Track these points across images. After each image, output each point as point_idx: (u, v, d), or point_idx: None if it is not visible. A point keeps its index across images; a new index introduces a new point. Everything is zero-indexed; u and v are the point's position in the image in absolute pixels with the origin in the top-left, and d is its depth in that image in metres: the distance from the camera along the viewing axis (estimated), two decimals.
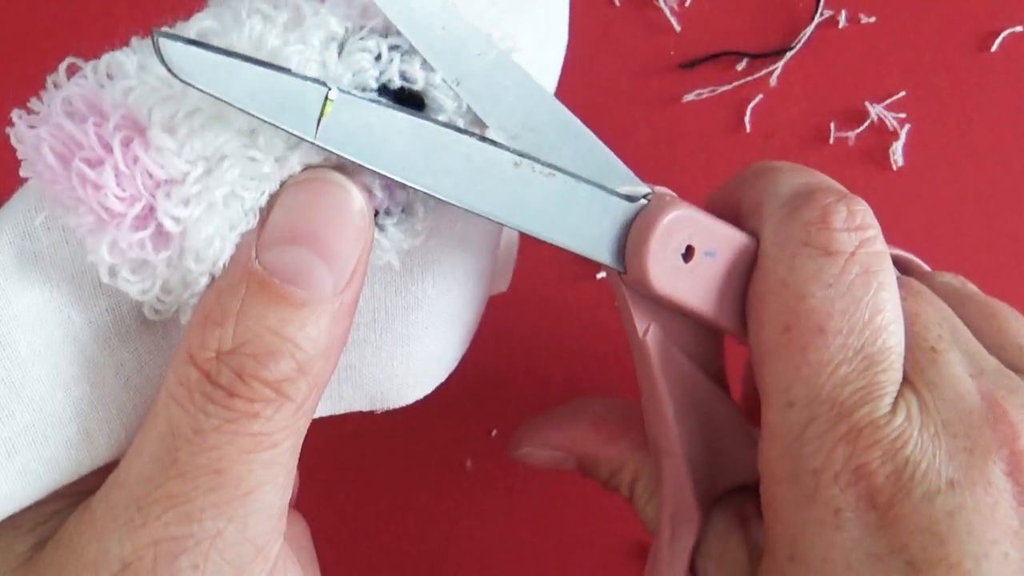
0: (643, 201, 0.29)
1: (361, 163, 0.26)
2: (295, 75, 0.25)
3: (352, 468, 0.45)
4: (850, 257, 0.29)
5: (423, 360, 0.31)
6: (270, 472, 0.26)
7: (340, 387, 0.31)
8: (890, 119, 0.46)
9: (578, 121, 0.28)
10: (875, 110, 0.46)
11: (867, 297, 0.28)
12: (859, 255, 0.29)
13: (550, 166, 0.28)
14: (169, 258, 0.25)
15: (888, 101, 0.46)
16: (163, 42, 0.23)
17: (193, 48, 0.24)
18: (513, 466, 0.47)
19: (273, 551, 0.27)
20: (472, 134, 0.27)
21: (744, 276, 0.30)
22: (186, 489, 0.25)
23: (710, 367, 0.32)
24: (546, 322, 0.46)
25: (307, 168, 0.26)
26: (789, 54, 0.46)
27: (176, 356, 0.26)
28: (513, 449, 0.36)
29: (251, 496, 0.25)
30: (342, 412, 0.32)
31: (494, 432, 0.47)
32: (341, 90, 0.25)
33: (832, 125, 0.46)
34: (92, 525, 0.26)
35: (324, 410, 0.31)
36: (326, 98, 0.25)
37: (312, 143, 0.25)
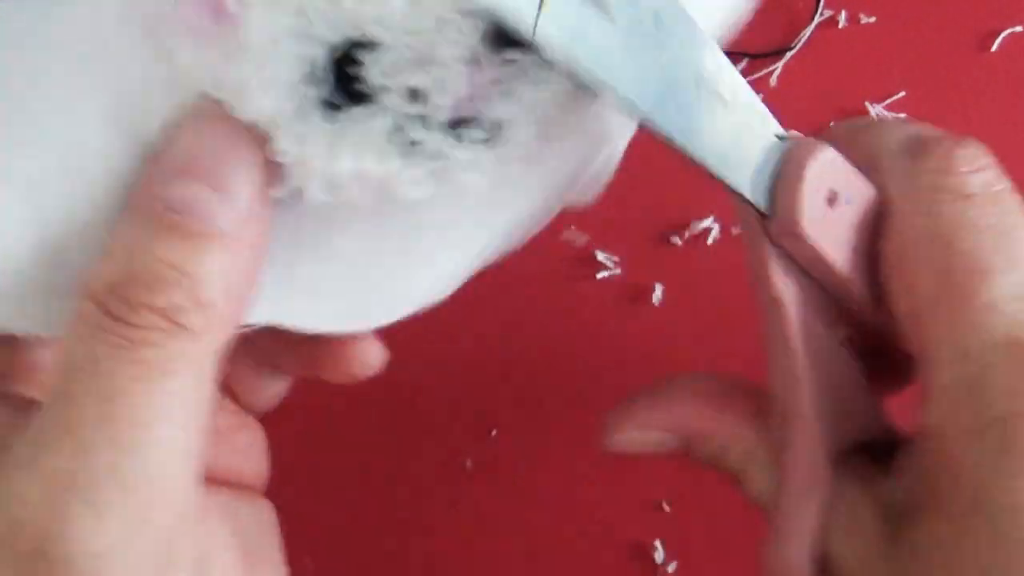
0: (788, 142, 0.29)
1: (574, 67, 0.25)
2: None
3: (352, 467, 0.45)
4: (985, 196, 0.28)
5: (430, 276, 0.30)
6: (165, 403, 0.25)
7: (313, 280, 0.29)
8: (890, 119, 0.46)
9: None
10: (875, 110, 0.46)
11: (1017, 231, 0.28)
12: (992, 193, 0.28)
13: (720, 96, 0.27)
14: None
15: (888, 101, 0.46)
16: None
17: None
18: (513, 466, 0.47)
19: (179, 497, 0.26)
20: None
21: (867, 232, 0.30)
22: (79, 419, 0.25)
23: (837, 329, 0.31)
24: (546, 322, 0.46)
25: (204, 98, 0.26)
26: (789, 54, 0.46)
27: (77, 293, 0.26)
28: (608, 437, 0.34)
29: (144, 428, 0.25)
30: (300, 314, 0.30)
31: (494, 432, 0.47)
32: None
33: (832, 125, 0.46)
34: (3, 467, 0.26)
35: (270, 311, 0.29)
36: None
37: (531, 41, 0.25)
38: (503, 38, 0.26)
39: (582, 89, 0.27)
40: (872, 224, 0.30)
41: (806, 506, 0.30)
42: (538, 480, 0.46)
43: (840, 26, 0.46)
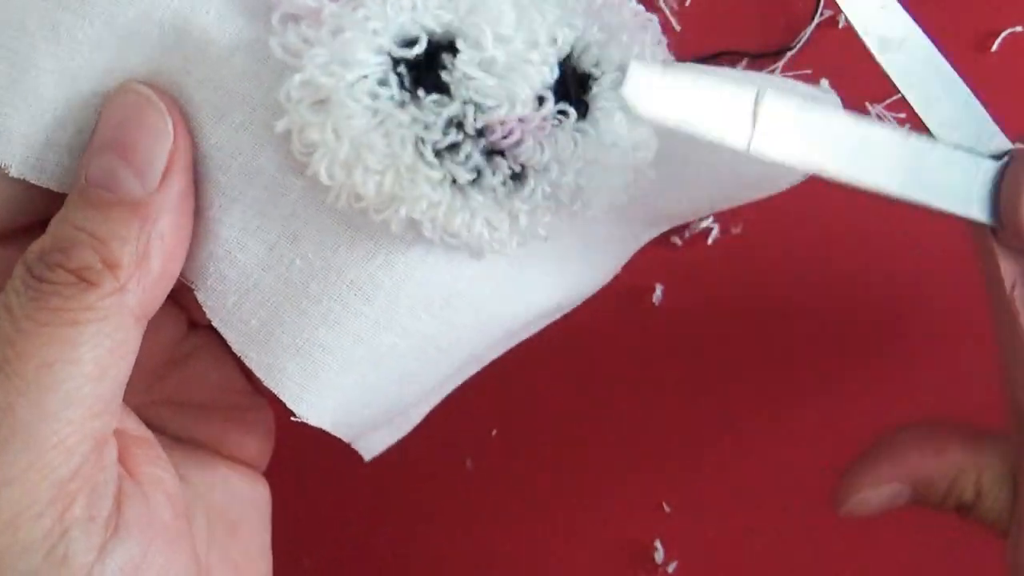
0: (1006, 159, 0.31)
1: (791, 164, 0.28)
2: (726, 75, 0.28)
3: (352, 467, 0.45)
4: None
5: None
6: (66, 350, 0.27)
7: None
8: (890, 119, 0.46)
9: (956, 76, 0.32)
10: (875, 110, 0.46)
11: None
12: None
13: (930, 139, 0.30)
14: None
15: (888, 101, 0.46)
16: (636, 69, 0.27)
17: (659, 74, 0.27)
18: (513, 466, 0.47)
19: (80, 448, 0.27)
20: (870, 121, 0.30)
21: None
22: None
23: None
24: None
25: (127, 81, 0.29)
26: (789, 54, 0.46)
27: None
28: (844, 502, 0.35)
29: (43, 372, 0.26)
30: None
31: (494, 432, 0.47)
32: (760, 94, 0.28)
33: None
34: None
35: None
36: (756, 100, 0.28)
37: (748, 152, 0.28)
38: (568, 90, 0.28)
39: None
40: None
41: None
42: (538, 480, 0.46)
43: (840, 26, 0.46)
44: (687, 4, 0.47)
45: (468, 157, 0.27)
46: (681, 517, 0.46)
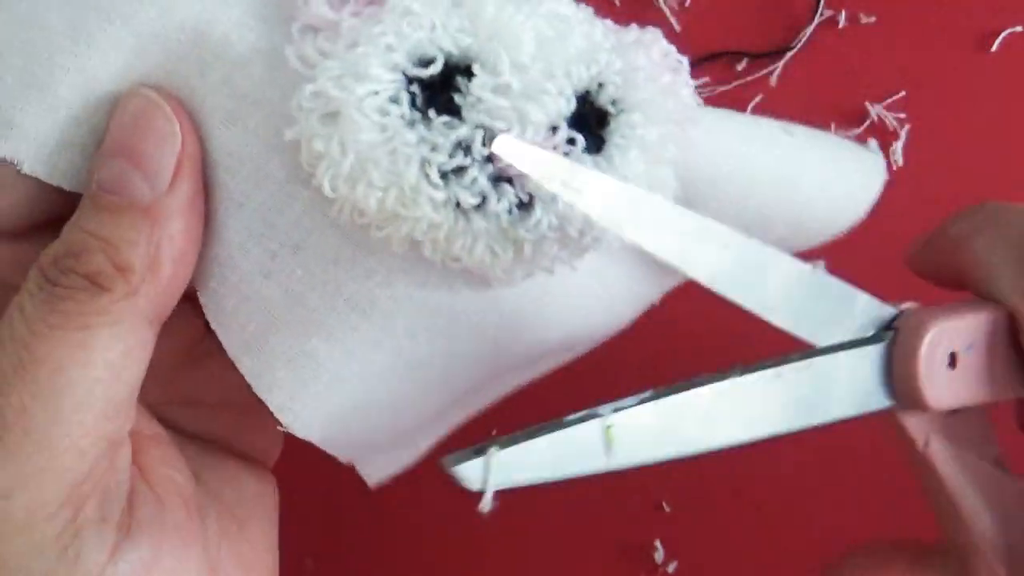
0: (891, 332, 0.29)
1: (657, 460, 0.28)
2: (567, 423, 0.27)
3: (353, 468, 0.45)
4: None
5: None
6: (79, 354, 0.27)
7: None
8: (890, 119, 0.46)
9: (803, 264, 0.30)
10: (875, 110, 0.46)
11: None
12: None
13: (803, 356, 0.29)
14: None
15: (888, 101, 0.46)
16: (456, 469, 0.26)
17: (478, 460, 0.26)
18: None
19: (93, 451, 0.27)
20: (733, 375, 0.29)
21: (1010, 345, 0.30)
22: (1, 363, 0.27)
23: (986, 452, 0.32)
24: None
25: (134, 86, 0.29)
26: (789, 54, 0.46)
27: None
28: None
29: (57, 375, 0.26)
30: None
31: (494, 432, 0.47)
32: (614, 410, 0.27)
33: (832, 125, 0.46)
34: None
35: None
36: (606, 427, 0.27)
37: (609, 470, 0.27)
38: (582, 122, 0.28)
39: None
40: (1010, 337, 0.30)
41: None
42: None
43: (840, 26, 0.46)
44: (687, 4, 0.47)
45: (474, 181, 0.27)
46: (681, 517, 0.46)
